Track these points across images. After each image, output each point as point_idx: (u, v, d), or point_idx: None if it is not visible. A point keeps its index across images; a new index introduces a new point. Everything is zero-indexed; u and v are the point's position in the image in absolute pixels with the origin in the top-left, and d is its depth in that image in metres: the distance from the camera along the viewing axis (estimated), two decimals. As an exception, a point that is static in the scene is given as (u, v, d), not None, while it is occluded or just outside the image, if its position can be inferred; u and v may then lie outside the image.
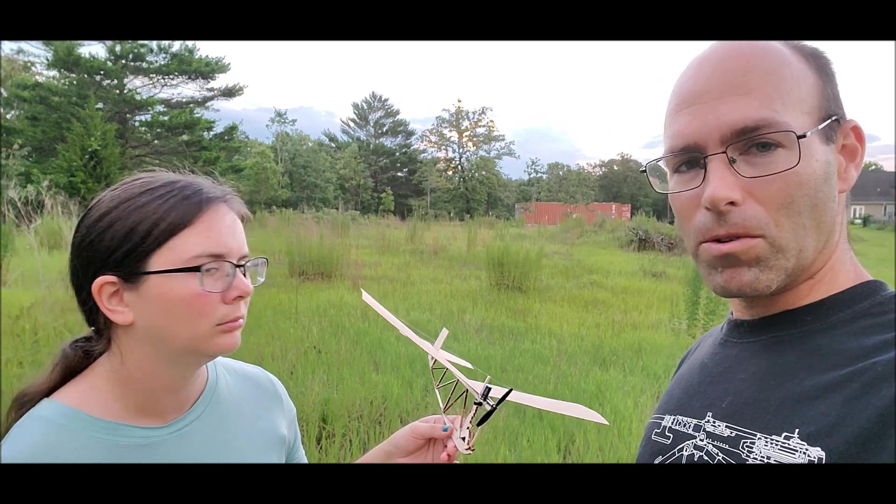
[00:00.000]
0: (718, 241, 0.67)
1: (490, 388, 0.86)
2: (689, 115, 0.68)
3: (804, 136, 0.64)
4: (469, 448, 0.87)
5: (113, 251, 0.79)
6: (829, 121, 0.68)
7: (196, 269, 0.80)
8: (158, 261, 0.79)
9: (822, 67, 0.69)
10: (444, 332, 1.09)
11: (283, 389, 1.08)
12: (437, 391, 0.96)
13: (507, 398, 0.86)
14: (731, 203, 0.65)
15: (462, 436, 0.87)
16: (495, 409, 0.84)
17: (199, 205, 0.82)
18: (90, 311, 0.83)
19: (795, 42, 0.70)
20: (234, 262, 0.83)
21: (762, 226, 0.65)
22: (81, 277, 0.82)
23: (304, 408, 4.02)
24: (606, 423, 0.89)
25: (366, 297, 1.09)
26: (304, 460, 1.08)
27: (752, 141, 0.65)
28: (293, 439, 1.06)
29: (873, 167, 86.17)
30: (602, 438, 3.90)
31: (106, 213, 0.81)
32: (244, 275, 0.85)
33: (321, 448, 3.70)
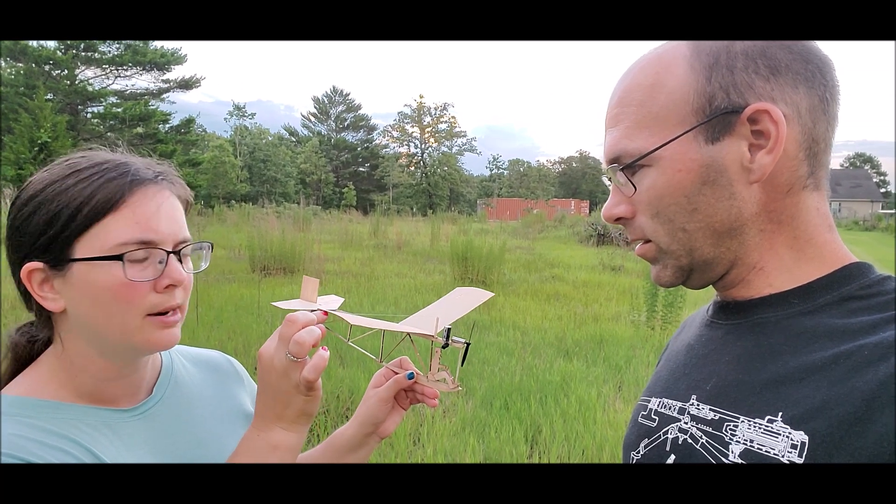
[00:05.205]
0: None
1: (450, 329, 0.85)
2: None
3: (653, 151, 0.68)
4: (457, 386, 0.88)
5: (38, 236, 0.76)
6: (711, 118, 0.66)
7: (118, 257, 0.75)
8: (83, 247, 0.75)
9: (715, 64, 0.67)
10: (315, 281, 1.01)
11: (242, 368, 1.07)
12: (351, 344, 0.97)
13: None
14: (621, 218, 0.74)
15: (438, 378, 0.88)
16: (469, 343, 0.86)
17: (125, 187, 0.77)
18: (26, 295, 0.80)
19: (697, 44, 0.68)
20: (169, 248, 0.79)
21: (648, 233, 0.72)
22: (13, 262, 0.79)
23: (270, 403, 3.98)
24: (491, 293, 0.95)
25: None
26: None
27: (622, 166, 0.71)
28: None
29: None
30: (568, 428, 3.97)
31: (33, 197, 0.77)
32: (180, 261, 0.80)
33: (287, 443, 3.66)
